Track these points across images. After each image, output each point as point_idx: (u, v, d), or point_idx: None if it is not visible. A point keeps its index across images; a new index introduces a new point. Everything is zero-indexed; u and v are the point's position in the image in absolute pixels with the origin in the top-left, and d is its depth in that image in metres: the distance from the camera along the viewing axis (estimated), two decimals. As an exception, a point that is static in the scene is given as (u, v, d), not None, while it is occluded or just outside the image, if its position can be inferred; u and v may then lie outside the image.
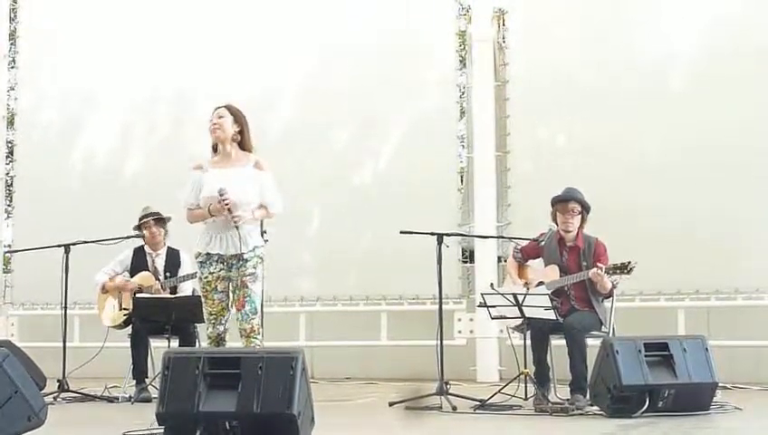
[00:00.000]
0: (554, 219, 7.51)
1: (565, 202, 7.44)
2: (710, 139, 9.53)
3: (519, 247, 7.77)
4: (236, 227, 6.30)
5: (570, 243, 7.45)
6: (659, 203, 9.57)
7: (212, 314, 6.46)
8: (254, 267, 6.36)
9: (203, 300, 6.50)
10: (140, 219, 8.71)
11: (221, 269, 6.43)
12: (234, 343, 6.56)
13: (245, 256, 6.36)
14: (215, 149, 6.66)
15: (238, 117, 6.60)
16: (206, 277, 6.46)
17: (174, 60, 11.63)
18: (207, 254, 6.45)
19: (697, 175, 9.53)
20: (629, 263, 7.08)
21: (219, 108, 6.65)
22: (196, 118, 11.50)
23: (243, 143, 6.60)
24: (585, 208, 7.45)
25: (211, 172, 6.54)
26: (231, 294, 6.45)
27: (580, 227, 7.47)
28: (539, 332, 7.21)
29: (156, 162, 11.77)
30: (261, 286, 6.40)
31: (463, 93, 10.89)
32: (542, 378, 7.20)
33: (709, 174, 9.48)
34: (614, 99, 9.94)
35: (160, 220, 8.73)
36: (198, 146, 11.25)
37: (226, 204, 6.30)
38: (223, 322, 6.45)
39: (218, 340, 6.44)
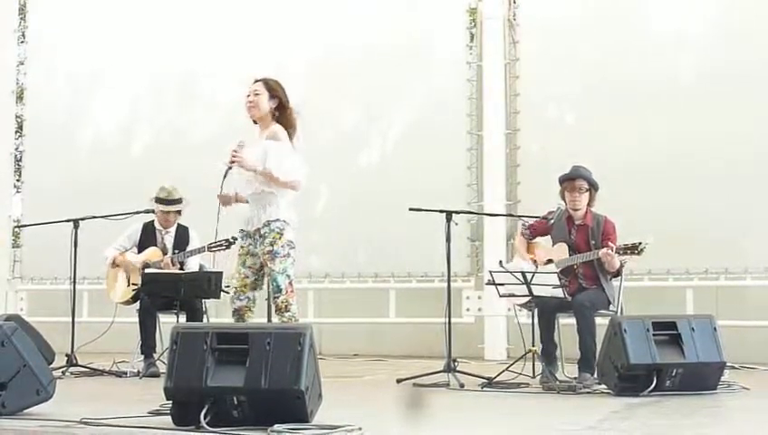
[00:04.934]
0: (563, 198, 7.48)
1: (572, 180, 7.41)
2: (718, 120, 9.50)
3: (527, 224, 7.76)
4: (226, 170, 6.32)
5: (578, 221, 7.43)
6: (668, 182, 9.56)
7: (233, 288, 6.49)
8: (272, 244, 6.31)
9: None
10: (159, 201, 8.65)
11: (250, 244, 6.44)
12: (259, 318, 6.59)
13: (262, 232, 6.35)
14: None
15: (276, 91, 6.45)
16: (239, 251, 6.52)
17: (182, 38, 11.66)
18: (241, 229, 6.49)
19: (707, 154, 9.51)
20: (640, 244, 7.05)
21: (257, 81, 6.50)
22: (205, 95, 11.58)
23: (283, 118, 6.45)
24: (593, 186, 7.41)
25: (244, 150, 6.48)
26: (261, 271, 6.45)
27: (589, 205, 7.44)
28: (544, 310, 7.21)
29: (164, 138, 11.80)
30: (282, 263, 6.32)
31: (473, 71, 10.84)
32: (549, 357, 7.20)
33: (720, 153, 9.46)
34: (625, 76, 9.91)
35: (178, 211, 8.72)
36: (205, 122, 11.39)
37: (233, 153, 6.31)
38: (242, 297, 6.42)
39: (237, 314, 6.43)
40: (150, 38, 11.84)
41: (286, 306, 6.33)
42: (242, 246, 6.50)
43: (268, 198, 6.37)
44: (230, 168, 6.34)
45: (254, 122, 6.56)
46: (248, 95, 6.49)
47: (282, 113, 6.47)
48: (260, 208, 6.37)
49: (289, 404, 4.86)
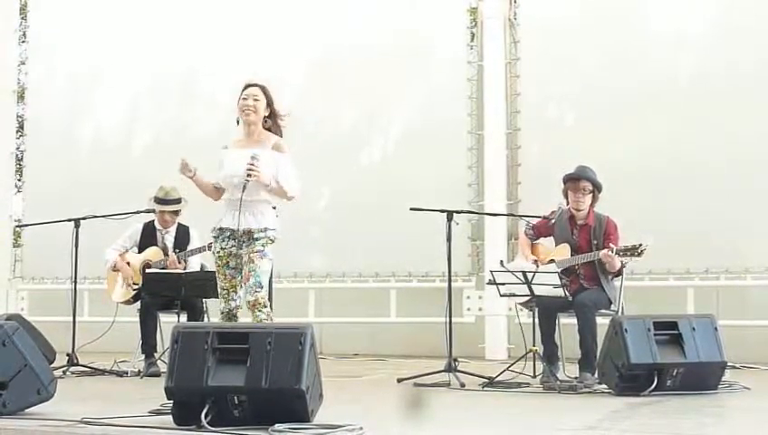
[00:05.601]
0: (566, 197, 7.48)
1: (576, 180, 7.40)
2: (718, 120, 9.50)
3: (531, 225, 7.75)
4: (245, 183, 6.27)
5: (581, 221, 7.43)
6: (669, 182, 9.55)
7: (223, 289, 6.45)
8: (263, 246, 6.33)
9: (216, 275, 6.50)
10: (157, 201, 8.66)
11: (232, 245, 6.40)
12: (246, 318, 6.55)
13: (255, 235, 6.33)
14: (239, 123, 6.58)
15: (270, 99, 6.51)
16: (218, 252, 6.45)
17: (183, 37, 11.66)
18: (221, 229, 6.44)
19: (707, 154, 9.50)
20: (640, 245, 7.05)
21: (253, 87, 6.51)
22: (205, 95, 11.57)
23: (274, 126, 6.51)
24: (596, 187, 7.41)
25: (232, 151, 6.50)
26: (242, 271, 6.44)
27: (592, 205, 7.44)
28: (546, 310, 7.21)
29: (164, 138, 11.80)
30: (269, 265, 6.36)
31: (473, 70, 10.83)
32: (550, 357, 7.20)
33: (720, 153, 9.45)
34: (625, 76, 9.90)
35: (175, 211, 8.72)
36: (206, 121, 11.38)
37: (251, 166, 6.26)
38: (235, 297, 6.42)
39: (229, 315, 6.42)
40: (151, 38, 11.83)
41: (264, 303, 6.34)
42: (222, 248, 6.43)
43: (263, 205, 6.39)
44: (247, 181, 6.31)
45: (237, 122, 6.56)
46: (245, 98, 6.48)
47: (273, 121, 6.53)
48: (256, 213, 6.36)
49: (290, 404, 4.87)
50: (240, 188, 6.32)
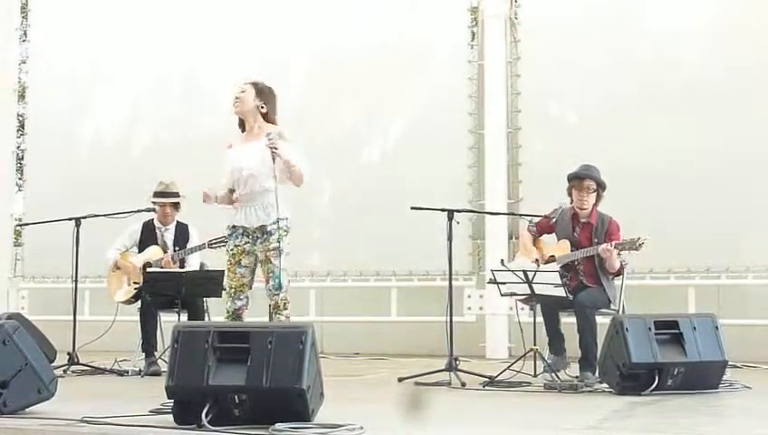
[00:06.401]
0: (570, 195, 7.47)
1: (581, 179, 7.40)
2: (719, 120, 9.49)
3: (534, 223, 7.76)
4: (273, 155, 6.27)
5: (583, 219, 7.43)
6: (669, 181, 9.54)
7: (231, 288, 6.43)
8: (278, 241, 6.31)
9: (226, 272, 6.50)
10: (157, 195, 8.68)
11: (246, 242, 6.41)
12: (248, 318, 6.54)
13: (269, 229, 6.34)
14: (242, 126, 6.59)
15: (262, 91, 6.54)
16: (231, 250, 6.45)
17: (183, 37, 11.67)
18: (233, 226, 6.45)
19: (708, 153, 9.49)
20: (639, 239, 7.06)
21: (246, 84, 6.59)
22: (205, 94, 11.58)
23: (266, 117, 6.54)
24: (601, 186, 7.41)
25: (235, 149, 6.51)
26: (255, 270, 6.45)
27: (596, 204, 7.44)
28: (547, 305, 7.22)
29: (165, 136, 11.82)
30: (286, 261, 6.34)
31: (474, 70, 10.82)
32: (557, 348, 7.24)
33: (721, 152, 9.44)
34: (626, 75, 9.90)
35: (175, 204, 8.74)
36: (206, 121, 11.39)
37: (270, 139, 6.27)
38: (242, 297, 6.42)
39: (235, 315, 6.42)
40: (151, 37, 11.85)
41: (285, 304, 6.34)
42: (236, 245, 6.44)
43: (269, 197, 6.37)
44: (274, 151, 6.29)
45: (241, 123, 6.58)
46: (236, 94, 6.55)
47: (266, 113, 6.54)
48: (267, 205, 6.36)
49: (290, 403, 4.86)
50: (245, 183, 6.38)
